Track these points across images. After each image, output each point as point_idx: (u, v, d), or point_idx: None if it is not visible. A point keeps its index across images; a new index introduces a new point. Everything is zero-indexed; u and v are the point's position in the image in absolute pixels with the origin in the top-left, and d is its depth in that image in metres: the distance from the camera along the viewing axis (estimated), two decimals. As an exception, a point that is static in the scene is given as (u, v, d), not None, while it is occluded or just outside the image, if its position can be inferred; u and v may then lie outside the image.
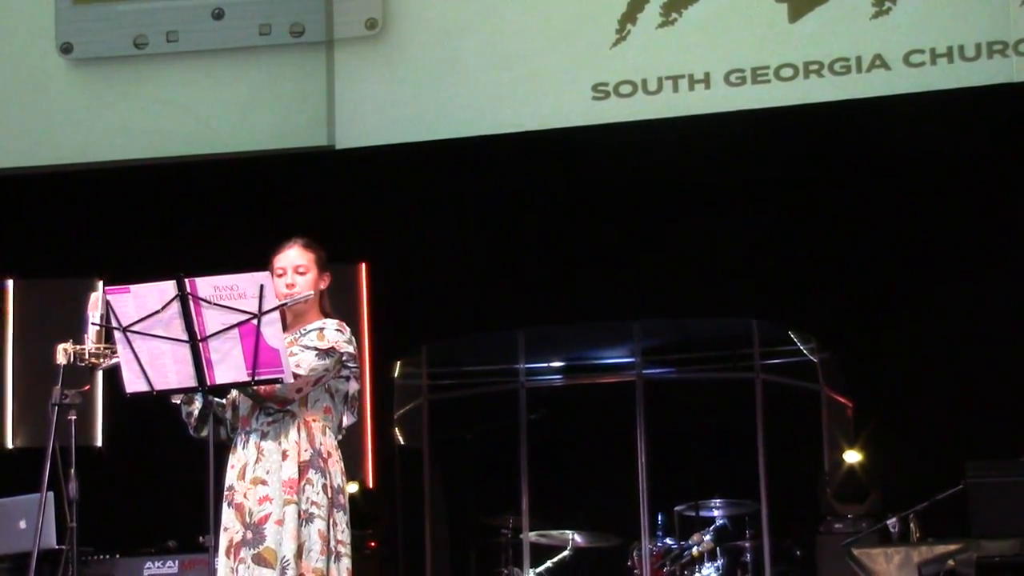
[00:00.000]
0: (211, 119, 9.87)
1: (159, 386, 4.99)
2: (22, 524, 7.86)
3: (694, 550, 9.17)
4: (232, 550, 5.12)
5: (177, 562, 8.27)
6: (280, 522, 5.08)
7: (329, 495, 5.16)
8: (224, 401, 5.29)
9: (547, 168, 9.86)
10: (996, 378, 9.36)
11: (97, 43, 9.93)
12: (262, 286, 4.92)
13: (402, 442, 10.47)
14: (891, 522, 8.35)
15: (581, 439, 10.25)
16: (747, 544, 9.42)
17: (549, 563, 9.59)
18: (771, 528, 9.55)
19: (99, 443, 10.29)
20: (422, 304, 10.14)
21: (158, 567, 8.30)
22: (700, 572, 9.18)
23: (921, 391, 9.52)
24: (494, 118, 9.58)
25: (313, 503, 5.12)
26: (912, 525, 8.25)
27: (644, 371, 10.00)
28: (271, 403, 5.18)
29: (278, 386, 5.05)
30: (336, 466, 5.23)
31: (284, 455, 5.14)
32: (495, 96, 9.58)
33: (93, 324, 5.14)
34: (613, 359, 10.53)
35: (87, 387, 5.74)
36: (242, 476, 5.17)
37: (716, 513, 9.45)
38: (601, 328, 10.28)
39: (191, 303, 4.91)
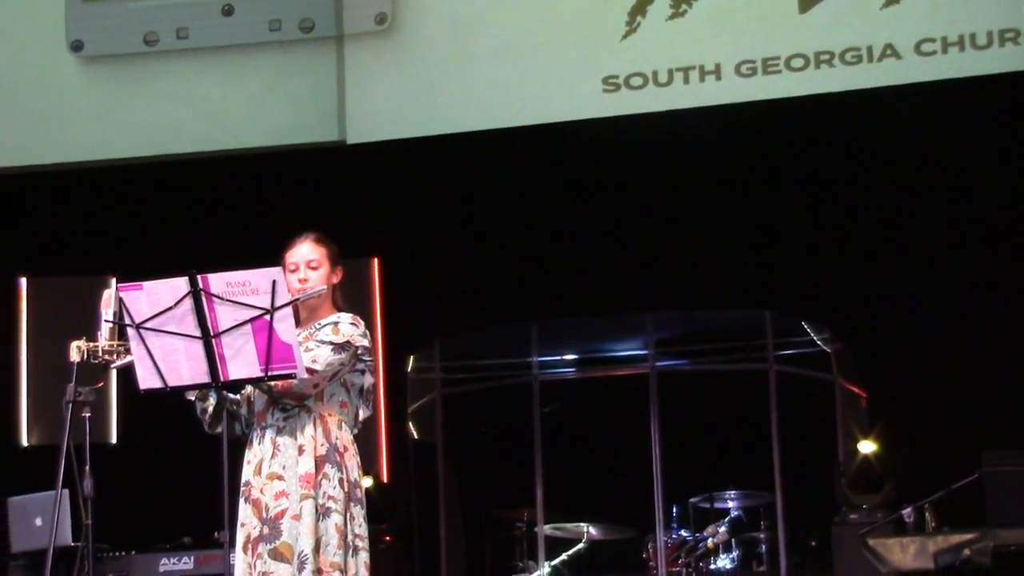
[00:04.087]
0: (222, 115, 9.87)
1: (173, 383, 4.99)
2: (38, 521, 7.89)
3: (709, 542, 9.16)
4: (249, 545, 5.12)
5: (192, 558, 8.30)
6: (296, 517, 5.07)
7: (346, 489, 5.16)
8: (238, 397, 5.29)
9: (558, 161, 9.84)
10: (1012, 367, 9.34)
11: (108, 40, 9.95)
12: (274, 282, 4.91)
13: (416, 436, 10.46)
14: (906, 512, 8.33)
15: (595, 432, 10.23)
16: (762, 535, 9.41)
17: (564, 556, 9.58)
18: (786, 519, 9.53)
19: (114, 440, 10.33)
20: (434, 298, 10.15)
21: (173, 563, 8.32)
22: (715, 564, 9.17)
23: (936, 380, 9.50)
24: (504, 112, 9.57)
25: (330, 497, 5.12)
26: (927, 515, 8.23)
27: (657, 363, 9.97)
28: (288, 399, 5.17)
29: (295, 382, 5.05)
30: (352, 460, 5.23)
31: (300, 450, 5.14)
32: (505, 90, 9.57)
33: (106, 321, 5.14)
34: (626, 351, 10.50)
35: (101, 384, 5.74)
36: (258, 471, 5.17)
37: (731, 504, 9.44)
38: (614, 321, 10.26)
39: (204, 299, 4.90)
